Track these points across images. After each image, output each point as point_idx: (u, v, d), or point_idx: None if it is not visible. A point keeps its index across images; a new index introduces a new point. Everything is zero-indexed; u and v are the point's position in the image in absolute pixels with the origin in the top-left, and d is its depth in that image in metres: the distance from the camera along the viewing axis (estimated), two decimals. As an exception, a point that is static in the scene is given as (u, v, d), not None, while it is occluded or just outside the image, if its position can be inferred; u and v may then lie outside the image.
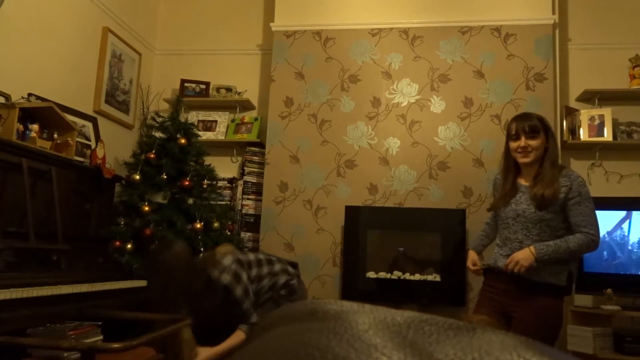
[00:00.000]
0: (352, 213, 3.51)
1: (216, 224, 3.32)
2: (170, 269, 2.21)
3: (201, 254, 2.86)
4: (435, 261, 3.43)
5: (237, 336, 2.36)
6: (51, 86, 3.12)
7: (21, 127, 2.62)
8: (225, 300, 2.33)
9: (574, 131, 3.69)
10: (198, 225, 3.23)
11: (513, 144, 2.28)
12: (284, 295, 2.57)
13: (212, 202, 3.37)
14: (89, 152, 3.29)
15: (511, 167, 2.34)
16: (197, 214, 3.26)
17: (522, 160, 2.27)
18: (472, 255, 2.53)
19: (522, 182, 2.31)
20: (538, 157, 2.25)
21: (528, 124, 2.24)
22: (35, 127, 2.71)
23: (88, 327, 2.23)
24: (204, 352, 2.27)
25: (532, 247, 2.15)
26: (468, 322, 0.25)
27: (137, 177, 3.24)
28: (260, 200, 3.80)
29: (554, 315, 2.17)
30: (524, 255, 2.15)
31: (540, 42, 3.60)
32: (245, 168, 3.97)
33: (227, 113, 4.17)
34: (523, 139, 2.24)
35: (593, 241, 2.18)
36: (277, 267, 2.61)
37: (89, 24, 3.51)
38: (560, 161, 2.53)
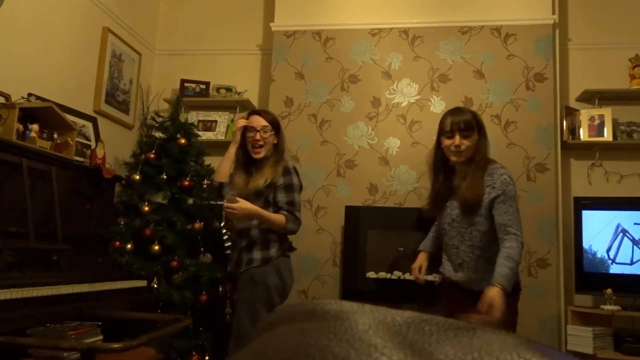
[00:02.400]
0: (352, 213, 3.51)
1: (216, 224, 3.32)
2: None
3: None
4: (435, 261, 3.42)
5: (278, 216, 2.38)
6: (51, 86, 3.12)
7: (21, 127, 2.62)
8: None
9: (574, 131, 3.69)
10: (198, 225, 3.23)
11: (447, 142, 2.14)
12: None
13: (212, 202, 3.37)
14: (89, 152, 3.28)
15: (440, 166, 2.21)
16: (197, 214, 3.27)
17: (454, 158, 2.14)
18: (421, 258, 2.39)
19: (456, 182, 2.19)
20: (470, 156, 2.13)
21: (463, 120, 2.11)
22: (35, 127, 2.70)
23: (88, 327, 2.23)
24: (245, 202, 2.33)
25: (496, 285, 1.96)
26: (467, 322, 0.25)
27: (137, 177, 3.24)
28: (260, 200, 3.80)
29: (509, 313, 2.07)
30: (497, 299, 1.93)
31: (540, 42, 3.60)
32: (245, 168, 3.97)
33: (227, 113, 4.17)
34: (457, 137, 2.11)
35: (522, 243, 2.06)
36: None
37: (89, 24, 3.51)
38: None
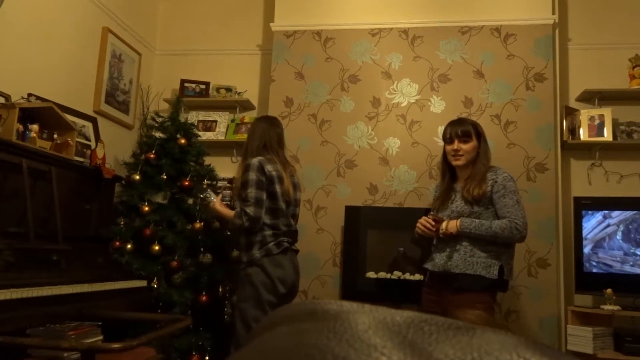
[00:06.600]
0: (352, 213, 3.51)
1: (216, 224, 3.32)
2: None
3: None
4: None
5: (231, 213, 2.59)
6: (51, 86, 3.12)
7: (21, 127, 2.62)
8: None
9: (574, 131, 3.69)
10: (198, 225, 3.23)
11: (448, 147, 2.45)
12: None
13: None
14: (89, 152, 3.28)
15: (446, 170, 2.51)
16: (197, 214, 3.26)
17: (454, 162, 2.42)
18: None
19: (458, 184, 2.47)
20: (470, 160, 2.40)
21: (461, 129, 2.40)
22: (35, 127, 2.70)
23: (88, 327, 2.23)
24: (216, 201, 2.74)
25: (459, 220, 2.32)
26: (465, 321, 0.25)
27: (137, 177, 3.24)
28: (260, 200, 3.80)
29: (486, 309, 2.27)
30: (451, 224, 2.33)
31: (540, 42, 3.60)
32: (245, 168, 3.97)
33: (227, 113, 4.17)
34: (456, 142, 2.39)
35: (516, 228, 2.26)
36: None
37: (89, 24, 3.51)
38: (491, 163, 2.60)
